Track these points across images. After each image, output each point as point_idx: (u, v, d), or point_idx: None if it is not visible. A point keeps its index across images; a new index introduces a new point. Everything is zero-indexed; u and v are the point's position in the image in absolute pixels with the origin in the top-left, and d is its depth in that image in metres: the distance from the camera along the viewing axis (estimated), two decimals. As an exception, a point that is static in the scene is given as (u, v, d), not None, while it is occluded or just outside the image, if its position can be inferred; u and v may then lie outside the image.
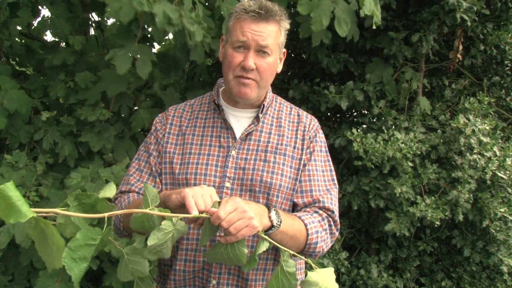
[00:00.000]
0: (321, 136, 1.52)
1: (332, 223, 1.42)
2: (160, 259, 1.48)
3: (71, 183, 2.29)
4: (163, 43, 3.23)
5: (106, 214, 0.88)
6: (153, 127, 1.53)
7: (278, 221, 1.21)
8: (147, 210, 1.01)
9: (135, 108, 2.87)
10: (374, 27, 2.33)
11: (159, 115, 1.56)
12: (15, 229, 2.12)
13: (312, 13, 2.27)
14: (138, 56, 2.32)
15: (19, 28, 2.76)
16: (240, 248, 1.10)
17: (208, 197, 1.11)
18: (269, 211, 1.21)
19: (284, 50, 1.46)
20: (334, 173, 1.51)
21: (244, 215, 1.09)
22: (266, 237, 1.14)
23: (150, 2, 2.06)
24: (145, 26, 2.45)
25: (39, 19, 2.82)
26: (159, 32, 2.30)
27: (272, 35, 1.35)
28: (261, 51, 1.34)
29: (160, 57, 2.75)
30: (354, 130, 2.80)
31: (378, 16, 2.28)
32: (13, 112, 2.50)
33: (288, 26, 1.42)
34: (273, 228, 1.20)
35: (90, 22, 3.08)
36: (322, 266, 2.79)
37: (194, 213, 1.06)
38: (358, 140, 2.76)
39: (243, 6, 1.34)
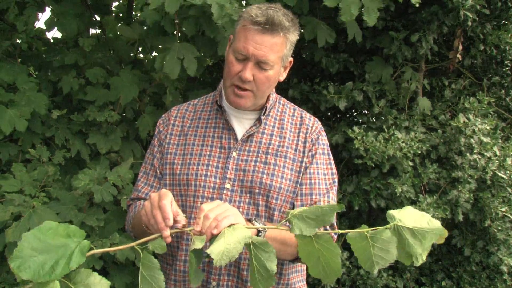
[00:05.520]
0: (323, 139, 1.49)
1: (328, 227, 1.40)
2: (163, 259, 1.50)
3: (79, 185, 2.29)
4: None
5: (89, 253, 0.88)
6: (156, 129, 1.54)
7: (262, 225, 1.20)
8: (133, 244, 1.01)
9: (138, 107, 2.88)
10: (416, 5, 2.26)
11: (162, 116, 1.56)
12: (30, 221, 2.13)
13: (341, 3, 2.23)
14: (184, 56, 2.34)
15: (23, 27, 2.76)
16: (239, 229, 1.02)
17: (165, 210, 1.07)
18: (250, 221, 1.21)
19: (291, 59, 1.43)
20: (335, 176, 1.49)
21: (226, 207, 1.07)
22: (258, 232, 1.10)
23: None
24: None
25: (45, 18, 2.83)
26: (191, 26, 2.27)
27: (275, 48, 1.31)
28: (261, 64, 1.31)
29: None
30: (355, 128, 2.80)
31: None
32: (31, 114, 2.51)
33: (295, 38, 1.38)
34: (260, 233, 1.18)
35: (93, 22, 3.08)
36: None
37: (166, 233, 1.03)
38: (359, 138, 2.77)
39: (251, 14, 1.30)
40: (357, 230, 0.94)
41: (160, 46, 2.50)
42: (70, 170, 2.70)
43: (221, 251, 0.94)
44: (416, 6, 2.29)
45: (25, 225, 2.11)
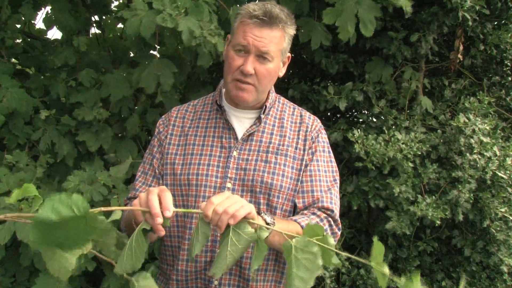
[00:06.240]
0: (323, 137, 1.51)
1: (332, 222, 1.41)
2: (163, 260, 1.49)
3: (69, 186, 2.27)
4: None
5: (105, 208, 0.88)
6: (156, 129, 1.54)
7: (272, 220, 1.20)
8: (139, 208, 1.03)
9: (135, 107, 2.87)
10: (406, 16, 2.32)
11: (162, 116, 1.57)
12: (16, 226, 2.09)
13: (337, 21, 2.25)
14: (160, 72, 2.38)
15: (18, 26, 2.74)
16: (244, 231, 1.01)
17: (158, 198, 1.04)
18: (259, 214, 1.19)
19: (289, 54, 1.45)
20: (336, 174, 1.50)
21: (237, 200, 1.05)
22: (266, 227, 1.11)
23: (174, 17, 2.05)
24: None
25: (42, 17, 2.81)
26: (172, 39, 2.32)
27: (274, 41, 1.33)
28: (262, 56, 1.33)
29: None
30: (355, 131, 2.80)
31: (408, 5, 2.26)
32: (13, 111, 2.47)
33: (293, 32, 1.40)
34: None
35: (92, 22, 3.07)
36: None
37: (159, 220, 0.98)
38: (359, 141, 2.76)
39: (249, 9, 1.33)
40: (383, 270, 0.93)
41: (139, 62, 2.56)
42: (61, 171, 2.67)
43: (223, 270, 0.98)
44: (408, 16, 2.33)
45: (9, 229, 2.06)
